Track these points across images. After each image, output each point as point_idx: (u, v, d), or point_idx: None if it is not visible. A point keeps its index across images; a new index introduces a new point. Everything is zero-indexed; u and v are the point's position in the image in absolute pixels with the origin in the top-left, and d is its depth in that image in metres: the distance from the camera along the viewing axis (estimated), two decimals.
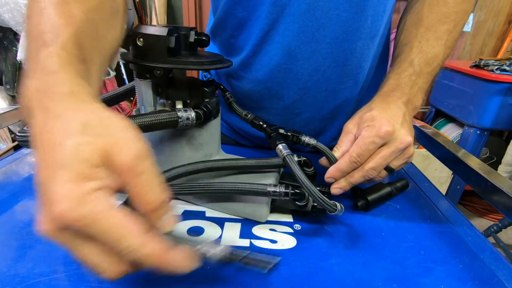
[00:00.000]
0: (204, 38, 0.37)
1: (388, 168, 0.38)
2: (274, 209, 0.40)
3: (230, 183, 0.36)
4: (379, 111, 0.38)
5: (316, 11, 0.43)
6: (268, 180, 0.38)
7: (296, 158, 0.37)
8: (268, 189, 0.34)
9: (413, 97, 0.41)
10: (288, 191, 0.34)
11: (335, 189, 0.39)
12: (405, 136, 0.36)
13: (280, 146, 0.37)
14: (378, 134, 0.36)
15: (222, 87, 0.48)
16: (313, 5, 0.43)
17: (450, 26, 0.44)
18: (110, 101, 0.44)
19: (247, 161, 0.39)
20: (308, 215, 0.39)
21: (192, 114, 0.34)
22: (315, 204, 0.37)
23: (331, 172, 0.39)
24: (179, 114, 0.33)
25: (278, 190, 0.34)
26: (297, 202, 0.36)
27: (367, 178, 0.38)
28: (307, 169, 0.39)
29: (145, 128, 0.31)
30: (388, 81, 0.43)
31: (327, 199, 0.33)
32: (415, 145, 0.62)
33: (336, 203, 0.34)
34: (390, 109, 0.38)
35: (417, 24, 0.45)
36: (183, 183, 0.37)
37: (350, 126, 0.40)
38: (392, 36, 0.51)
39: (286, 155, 0.35)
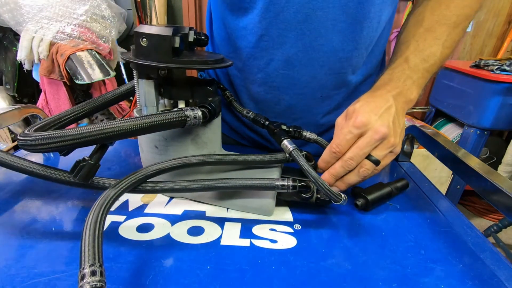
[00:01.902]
0: (203, 38, 0.37)
1: (373, 160, 0.38)
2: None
3: (238, 178, 0.36)
4: (362, 103, 0.39)
5: (314, 20, 0.44)
6: (273, 175, 0.39)
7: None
8: (276, 183, 0.36)
9: (406, 90, 0.41)
10: (296, 184, 0.36)
11: None
12: (380, 127, 0.37)
13: (285, 142, 0.38)
14: (353, 124, 0.37)
15: (221, 86, 0.49)
16: (311, 15, 0.43)
17: (450, 27, 0.44)
18: (109, 103, 0.44)
19: (252, 156, 0.40)
20: (308, 211, 0.40)
21: (198, 113, 0.34)
22: (318, 195, 0.38)
23: (318, 163, 0.41)
24: (187, 113, 0.33)
25: (286, 183, 0.36)
26: (302, 195, 0.37)
27: (347, 169, 0.38)
28: (309, 163, 0.39)
29: (154, 128, 0.31)
30: (382, 76, 0.44)
31: (332, 190, 0.35)
32: (416, 145, 0.62)
33: (341, 193, 0.35)
34: (373, 102, 0.39)
35: (417, 25, 0.46)
36: (190, 181, 0.37)
37: (339, 120, 0.41)
38: (392, 36, 0.52)
39: (293, 150, 0.37)
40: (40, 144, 0.29)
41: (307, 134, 0.45)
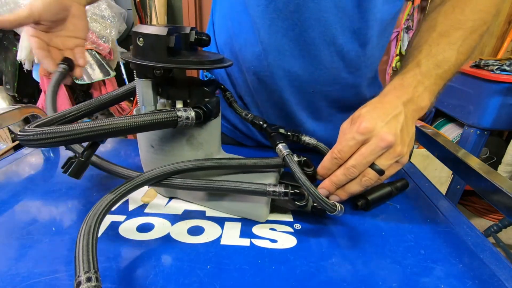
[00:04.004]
0: (204, 38, 0.37)
1: (377, 169, 0.36)
2: (274, 208, 0.40)
3: (230, 181, 0.36)
4: (369, 109, 0.38)
5: (305, 11, 0.43)
6: (268, 180, 0.37)
7: (296, 158, 0.37)
8: (267, 188, 0.34)
9: (417, 97, 0.39)
10: (287, 191, 0.34)
11: (320, 190, 0.38)
12: (386, 134, 0.35)
13: (280, 146, 0.37)
14: (358, 130, 0.35)
15: (222, 86, 0.48)
16: (302, 5, 0.43)
17: (466, 32, 0.42)
18: (110, 103, 0.44)
19: (247, 160, 0.39)
20: (307, 215, 0.39)
21: (191, 113, 0.34)
22: (315, 204, 0.37)
23: (318, 170, 0.38)
24: (179, 113, 0.33)
25: (277, 190, 0.34)
26: (296, 202, 0.36)
27: (349, 177, 0.36)
28: (307, 169, 0.38)
29: (144, 127, 0.31)
30: (392, 81, 0.42)
31: (326, 199, 0.33)
32: (415, 145, 0.62)
33: (336, 203, 0.34)
34: (381, 108, 0.37)
35: (429, 30, 0.44)
36: (184, 179, 0.37)
37: (344, 125, 0.39)
38: (392, 36, 0.51)
39: (286, 155, 0.35)
40: (35, 140, 0.29)
41: (306, 138, 0.44)
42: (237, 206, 0.39)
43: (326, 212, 0.35)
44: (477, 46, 0.45)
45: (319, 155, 0.43)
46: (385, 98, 0.39)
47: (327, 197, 0.38)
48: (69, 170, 0.31)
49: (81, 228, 0.26)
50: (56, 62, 0.49)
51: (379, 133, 0.35)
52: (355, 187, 0.37)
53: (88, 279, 0.22)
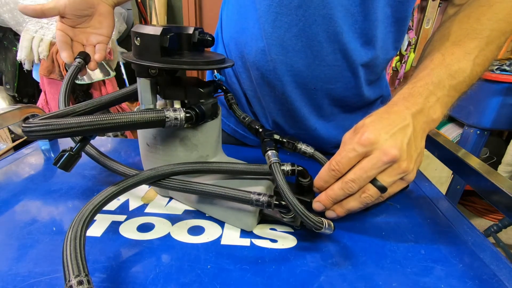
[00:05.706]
0: (208, 38, 0.37)
1: (378, 185, 0.33)
2: (266, 219, 0.39)
3: (217, 186, 0.34)
4: (373, 119, 0.35)
5: (310, 7, 0.43)
6: (257, 188, 0.35)
7: (289, 167, 0.35)
8: (251, 196, 0.32)
9: (429, 109, 0.36)
10: (271, 201, 0.32)
11: (315, 204, 0.36)
12: (390, 148, 0.32)
13: (269, 153, 0.35)
14: (359, 141, 0.33)
15: (224, 88, 0.48)
16: (306, 1, 0.43)
17: (482, 43, 0.39)
18: (115, 102, 0.44)
19: (238, 166, 0.37)
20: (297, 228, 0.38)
21: (181, 114, 0.33)
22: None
23: (314, 181, 0.36)
24: (167, 113, 0.32)
25: (261, 199, 0.32)
26: (282, 215, 0.35)
27: (347, 192, 0.34)
28: (303, 180, 0.37)
29: (131, 125, 0.31)
30: (401, 90, 0.39)
31: (311, 215, 0.31)
32: None
33: (323, 219, 0.32)
34: (387, 118, 0.35)
35: (442, 39, 0.42)
36: (171, 178, 0.36)
37: (346, 136, 0.36)
38: None
39: (273, 163, 0.33)
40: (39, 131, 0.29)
41: (303, 147, 0.42)
42: (225, 212, 0.37)
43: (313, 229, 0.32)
44: (494, 58, 0.41)
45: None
46: (393, 108, 0.36)
47: (323, 211, 0.36)
48: (59, 163, 0.31)
49: (67, 234, 0.26)
50: (75, 56, 0.50)
51: (382, 146, 0.32)
52: (353, 204, 0.35)
53: (80, 283, 0.22)
